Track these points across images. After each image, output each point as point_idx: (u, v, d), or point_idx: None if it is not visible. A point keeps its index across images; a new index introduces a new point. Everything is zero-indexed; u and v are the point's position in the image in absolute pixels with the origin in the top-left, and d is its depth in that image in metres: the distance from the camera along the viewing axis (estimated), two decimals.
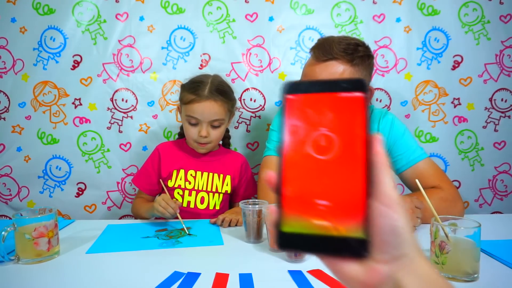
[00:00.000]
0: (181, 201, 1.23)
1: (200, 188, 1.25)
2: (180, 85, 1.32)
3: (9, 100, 1.55)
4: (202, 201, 1.25)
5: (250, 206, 0.91)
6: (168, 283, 0.70)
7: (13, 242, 0.81)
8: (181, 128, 1.35)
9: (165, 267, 0.76)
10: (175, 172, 1.25)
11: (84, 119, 1.58)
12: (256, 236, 0.91)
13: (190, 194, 1.24)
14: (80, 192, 1.60)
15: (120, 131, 1.59)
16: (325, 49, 1.07)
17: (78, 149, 1.58)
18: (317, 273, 0.73)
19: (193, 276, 0.72)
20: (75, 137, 1.57)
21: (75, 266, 0.79)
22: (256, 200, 0.94)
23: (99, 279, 0.73)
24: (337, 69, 1.06)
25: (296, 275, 0.72)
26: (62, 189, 1.59)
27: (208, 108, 1.18)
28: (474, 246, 0.69)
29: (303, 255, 0.78)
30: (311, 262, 0.79)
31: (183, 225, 1.02)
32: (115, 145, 1.59)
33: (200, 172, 1.26)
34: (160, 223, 1.10)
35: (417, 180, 0.84)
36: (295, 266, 0.77)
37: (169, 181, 1.25)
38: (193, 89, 1.21)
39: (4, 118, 1.56)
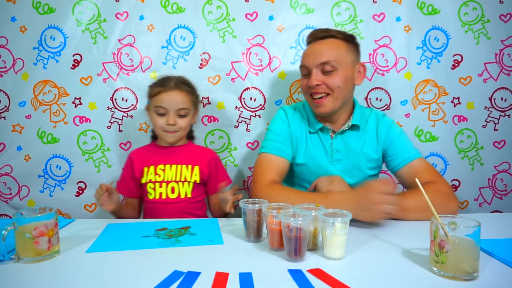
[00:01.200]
0: (153, 194, 1.31)
1: (169, 179, 1.32)
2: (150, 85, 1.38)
3: (9, 99, 1.56)
4: (173, 191, 1.32)
5: (250, 205, 0.91)
6: (168, 282, 0.70)
7: (13, 241, 0.81)
8: (153, 131, 1.42)
9: (165, 266, 0.76)
10: (145, 169, 1.34)
11: (84, 118, 1.58)
12: (256, 235, 0.91)
13: (161, 186, 1.32)
14: (80, 191, 1.60)
15: (120, 130, 1.59)
16: (322, 30, 1.23)
17: (78, 148, 1.58)
18: (317, 272, 0.73)
19: (193, 275, 0.72)
20: (75, 136, 1.58)
21: (75, 265, 0.79)
22: (256, 199, 0.94)
23: (99, 278, 0.73)
24: (335, 45, 1.20)
25: (296, 274, 0.72)
26: (62, 188, 1.59)
27: (174, 97, 1.29)
28: (474, 245, 0.69)
29: (303, 254, 0.79)
30: (311, 261, 0.79)
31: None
32: (115, 144, 1.59)
33: (169, 165, 1.33)
34: (160, 222, 1.10)
35: (416, 180, 0.85)
36: (295, 265, 0.77)
37: (142, 178, 1.33)
38: (160, 82, 1.33)
39: (4, 117, 1.56)
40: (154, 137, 1.44)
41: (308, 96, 1.23)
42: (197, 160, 1.36)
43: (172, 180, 1.32)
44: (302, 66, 1.24)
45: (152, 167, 1.33)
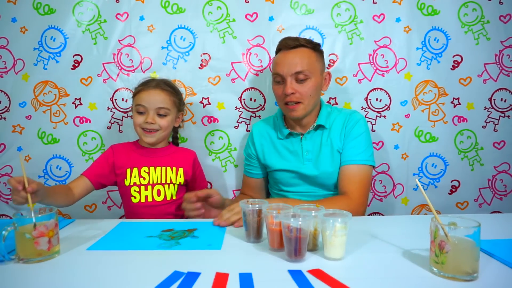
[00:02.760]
0: (138, 197, 1.30)
1: (154, 182, 1.31)
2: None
3: (9, 100, 1.56)
4: (158, 194, 1.31)
5: (250, 205, 0.91)
6: (168, 282, 0.70)
7: (14, 241, 0.81)
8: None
9: (165, 267, 0.76)
10: (128, 171, 1.31)
11: (84, 119, 1.58)
12: (256, 236, 0.92)
13: (146, 189, 1.30)
14: None
15: (120, 131, 1.59)
16: (293, 39, 1.29)
17: (78, 148, 1.58)
18: (317, 273, 0.73)
19: (193, 276, 0.72)
20: (75, 136, 1.58)
21: (75, 266, 0.79)
22: (256, 200, 0.94)
23: (99, 278, 0.73)
24: (306, 54, 1.26)
25: (296, 275, 0.72)
26: None
27: (154, 95, 1.28)
28: (474, 246, 0.69)
29: (303, 254, 0.79)
30: (311, 261, 0.79)
31: (30, 205, 0.91)
32: None
33: (153, 168, 1.32)
34: (168, 223, 1.10)
35: (417, 180, 0.85)
36: (295, 266, 0.77)
37: (125, 180, 1.30)
38: (142, 83, 1.34)
39: (4, 118, 1.56)
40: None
41: (282, 102, 1.29)
42: (181, 162, 1.35)
43: (158, 182, 1.31)
44: (276, 74, 1.28)
45: (135, 169, 1.30)
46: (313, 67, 1.26)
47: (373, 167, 1.30)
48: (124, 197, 1.34)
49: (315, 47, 1.30)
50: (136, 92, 1.31)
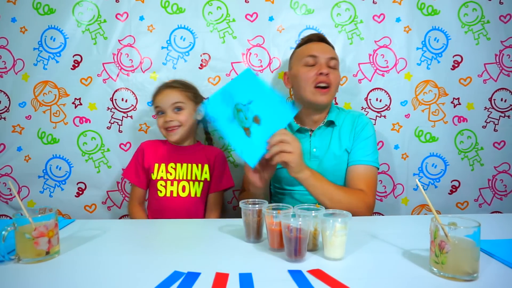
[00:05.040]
0: (164, 192, 1.35)
1: (180, 178, 1.36)
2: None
3: (9, 100, 1.56)
4: (183, 190, 1.35)
5: (250, 206, 0.91)
6: (168, 282, 0.70)
7: (13, 241, 0.81)
8: None
9: (165, 267, 0.76)
10: (156, 166, 1.37)
11: (84, 119, 1.58)
12: (256, 236, 0.92)
13: (172, 184, 1.35)
14: (80, 192, 1.60)
15: (120, 131, 1.59)
16: (320, 35, 1.40)
17: (78, 149, 1.58)
18: (317, 273, 0.73)
19: (193, 276, 0.72)
20: (75, 137, 1.58)
21: (76, 266, 0.79)
22: (256, 200, 0.94)
23: (99, 278, 0.73)
24: (332, 49, 1.37)
25: (296, 275, 0.72)
26: (62, 189, 1.59)
27: (166, 95, 1.35)
28: (474, 246, 0.69)
29: (303, 254, 0.79)
30: (311, 261, 0.79)
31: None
32: (115, 145, 1.59)
33: (180, 164, 1.37)
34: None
35: (417, 180, 0.86)
36: (295, 266, 0.77)
37: (152, 174, 1.37)
38: (157, 88, 1.41)
39: (4, 118, 1.56)
40: None
41: (311, 86, 1.28)
42: (206, 159, 1.40)
43: (183, 178, 1.36)
44: (310, 56, 1.30)
45: (163, 165, 1.36)
46: (338, 61, 1.35)
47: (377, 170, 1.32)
48: (151, 191, 1.39)
49: (333, 48, 1.39)
50: (153, 98, 1.39)
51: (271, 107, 1.06)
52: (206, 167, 1.38)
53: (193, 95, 1.39)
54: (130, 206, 1.42)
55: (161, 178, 1.36)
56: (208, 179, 1.38)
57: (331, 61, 1.30)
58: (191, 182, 1.36)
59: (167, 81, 1.43)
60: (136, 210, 1.39)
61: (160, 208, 1.35)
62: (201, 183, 1.37)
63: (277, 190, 1.42)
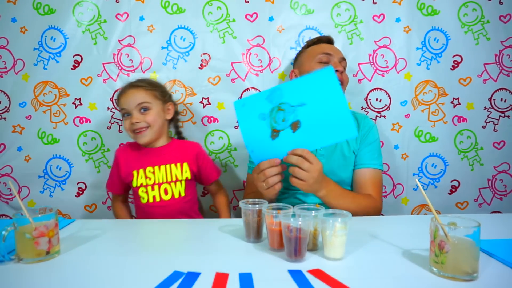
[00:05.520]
0: (146, 198, 1.31)
1: (160, 181, 1.31)
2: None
3: (9, 100, 1.56)
4: (166, 193, 1.31)
5: (250, 206, 0.91)
6: (168, 282, 0.70)
7: (14, 241, 0.81)
8: None
9: (165, 267, 0.76)
10: (135, 173, 1.32)
11: (84, 119, 1.58)
12: (256, 236, 0.92)
13: (153, 189, 1.31)
14: (80, 192, 1.60)
15: (120, 131, 1.59)
16: (327, 37, 1.43)
17: (78, 149, 1.58)
18: (317, 273, 0.73)
19: (193, 276, 0.72)
20: (75, 137, 1.58)
21: (76, 266, 0.79)
22: (256, 200, 0.94)
23: (99, 278, 0.73)
24: (340, 51, 1.38)
25: (296, 275, 0.72)
26: (62, 189, 1.59)
27: (130, 95, 1.29)
28: (474, 246, 0.69)
29: (303, 254, 0.79)
30: (311, 261, 0.79)
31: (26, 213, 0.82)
32: (115, 145, 1.59)
33: (157, 167, 1.32)
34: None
35: (417, 180, 0.86)
36: (295, 266, 0.77)
37: (132, 182, 1.32)
38: (120, 91, 1.35)
39: (4, 118, 1.56)
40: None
41: None
42: (184, 156, 1.35)
43: (164, 181, 1.31)
44: (324, 54, 1.32)
45: (141, 171, 1.31)
46: (347, 64, 1.39)
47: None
48: (134, 199, 1.36)
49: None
50: (117, 101, 1.34)
51: (326, 118, 0.93)
52: (185, 165, 1.33)
53: (160, 93, 1.34)
54: (113, 205, 1.45)
55: (141, 185, 1.30)
56: (189, 177, 1.33)
57: (342, 61, 1.34)
58: (172, 184, 1.31)
59: (132, 80, 1.38)
60: (119, 207, 1.43)
61: (147, 216, 1.31)
62: (183, 182, 1.32)
63: (280, 190, 1.41)
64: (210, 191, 1.49)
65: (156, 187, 1.30)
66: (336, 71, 1.24)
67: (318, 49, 1.35)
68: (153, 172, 1.31)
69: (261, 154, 1.01)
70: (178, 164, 1.33)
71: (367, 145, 1.31)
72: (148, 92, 1.31)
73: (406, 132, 1.62)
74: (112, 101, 1.57)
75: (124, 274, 0.75)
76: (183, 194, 1.32)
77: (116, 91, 1.57)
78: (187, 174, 1.33)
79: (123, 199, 1.45)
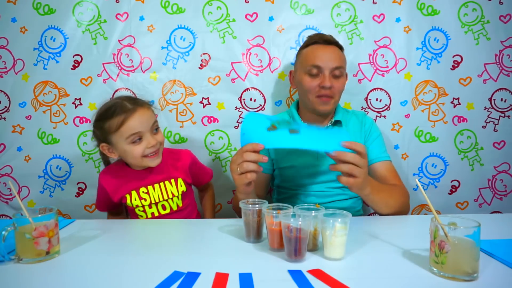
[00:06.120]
0: (145, 216, 1.25)
1: (156, 200, 1.24)
2: (94, 123, 1.20)
3: (9, 100, 1.56)
4: (164, 208, 1.26)
5: (250, 206, 0.91)
6: (168, 282, 0.70)
7: (13, 241, 0.81)
8: (103, 156, 1.28)
9: (165, 267, 0.76)
10: (128, 196, 1.23)
11: (84, 119, 1.58)
12: (256, 236, 0.92)
13: (150, 207, 1.25)
14: (80, 192, 1.60)
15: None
16: (328, 36, 1.34)
17: (78, 149, 1.58)
18: (317, 273, 0.73)
19: (193, 276, 0.72)
20: (75, 137, 1.58)
21: (76, 266, 0.79)
22: (256, 200, 0.94)
23: (99, 278, 0.73)
24: (340, 53, 1.33)
25: (296, 275, 0.72)
26: (62, 189, 1.59)
27: (143, 116, 1.15)
28: (474, 246, 0.69)
29: (303, 254, 0.79)
30: (311, 261, 0.79)
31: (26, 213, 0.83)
32: None
33: (151, 186, 1.24)
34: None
35: (417, 180, 0.86)
36: (295, 266, 0.77)
37: (127, 202, 1.24)
38: (113, 113, 1.13)
39: (4, 118, 1.56)
40: (107, 161, 1.32)
41: (313, 95, 1.28)
42: (177, 171, 1.28)
43: (160, 200, 1.24)
44: (313, 66, 1.27)
45: (134, 193, 1.23)
46: (344, 66, 1.32)
47: None
48: (131, 215, 1.29)
49: (342, 49, 1.36)
50: (119, 126, 1.12)
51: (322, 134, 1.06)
52: (180, 180, 1.26)
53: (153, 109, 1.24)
54: (108, 216, 1.39)
55: (137, 206, 1.23)
56: (185, 189, 1.27)
57: (336, 70, 1.26)
58: (169, 200, 1.25)
59: (116, 101, 1.18)
60: (113, 218, 1.38)
61: None
62: (180, 196, 1.26)
63: (281, 190, 1.42)
64: (198, 188, 1.49)
65: (153, 205, 1.24)
66: (322, 87, 1.25)
67: (310, 57, 1.29)
68: (147, 193, 1.23)
69: (251, 138, 0.97)
70: (172, 181, 1.26)
71: (374, 140, 1.33)
72: (151, 110, 1.21)
73: (406, 132, 1.62)
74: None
75: (124, 274, 0.75)
76: (181, 205, 1.28)
77: (117, 91, 1.56)
78: (182, 188, 1.27)
79: (117, 212, 1.38)
